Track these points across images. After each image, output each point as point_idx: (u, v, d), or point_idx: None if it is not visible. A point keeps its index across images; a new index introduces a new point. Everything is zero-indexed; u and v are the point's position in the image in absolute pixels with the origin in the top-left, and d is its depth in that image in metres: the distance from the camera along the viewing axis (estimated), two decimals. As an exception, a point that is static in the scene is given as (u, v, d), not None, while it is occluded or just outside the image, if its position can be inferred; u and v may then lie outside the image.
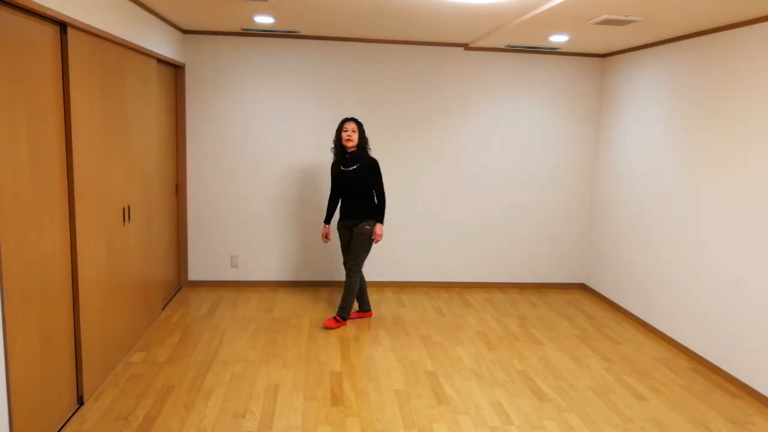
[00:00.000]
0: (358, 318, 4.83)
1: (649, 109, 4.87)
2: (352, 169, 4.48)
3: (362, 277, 4.72)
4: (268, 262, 5.63)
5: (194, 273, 5.58)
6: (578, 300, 5.61)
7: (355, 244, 4.55)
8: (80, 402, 3.25)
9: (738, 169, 3.86)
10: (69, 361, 3.10)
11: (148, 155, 4.32)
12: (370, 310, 4.87)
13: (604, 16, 3.78)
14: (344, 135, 4.43)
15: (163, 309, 4.89)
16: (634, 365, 4.11)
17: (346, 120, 4.47)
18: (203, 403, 3.35)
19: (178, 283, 5.48)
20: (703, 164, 4.20)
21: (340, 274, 5.72)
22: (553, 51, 5.53)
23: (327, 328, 4.56)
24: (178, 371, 3.75)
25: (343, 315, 4.60)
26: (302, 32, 5.13)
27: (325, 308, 5.07)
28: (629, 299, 5.13)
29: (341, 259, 5.67)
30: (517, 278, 5.93)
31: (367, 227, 4.54)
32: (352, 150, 4.47)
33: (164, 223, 4.93)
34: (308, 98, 5.44)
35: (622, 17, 3.79)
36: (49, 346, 2.86)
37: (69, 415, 3.13)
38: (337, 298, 5.34)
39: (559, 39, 4.78)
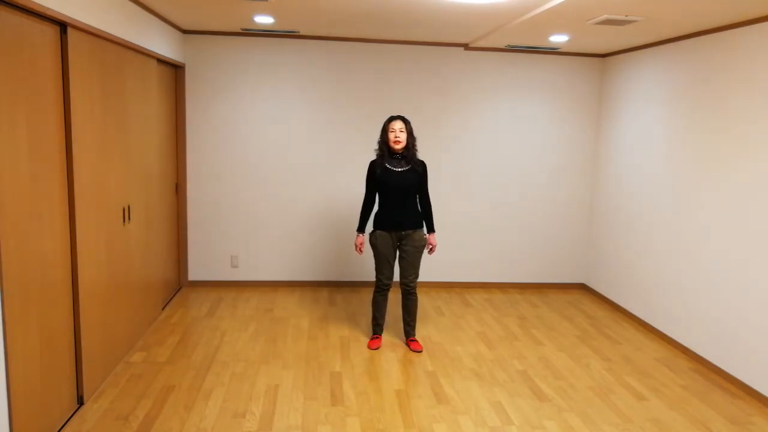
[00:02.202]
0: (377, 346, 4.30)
1: (649, 109, 4.87)
2: (405, 171, 4.03)
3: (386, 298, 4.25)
4: (268, 262, 5.63)
5: (194, 273, 5.58)
6: (578, 300, 5.61)
7: (416, 258, 4.11)
8: (80, 402, 3.25)
9: (738, 169, 3.86)
10: (69, 361, 3.10)
11: (148, 155, 4.32)
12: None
13: (604, 16, 3.78)
14: (392, 136, 3.97)
15: (163, 309, 4.89)
16: (634, 365, 4.10)
17: (392, 118, 4.01)
18: (203, 403, 3.35)
19: (178, 283, 5.48)
20: (703, 164, 4.20)
21: (340, 274, 5.72)
22: (553, 51, 5.53)
23: (419, 351, 4.20)
24: (178, 371, 3.75)
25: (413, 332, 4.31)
26: (302, 32, 5.13)
27: (325, 308, 5.06)
28: (629, 299, 5.13)
29: (342, 260, 5.67)
30: (517, 278, 5.93)
31: (425, 236, 4.16)
32: (400, 151, 4.03)
33: (164, 223, 4.93)
34: (308, 98, 5.44)
35: (622, 17, 3.79)
36: (49, 346, 2.86)
37: (69, 415, 3.13)
38: (338, 298, 5.34)
39: (559, 39, 4.78)
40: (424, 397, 3.52)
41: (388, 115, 5.49)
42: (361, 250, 4.20)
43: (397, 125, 3.99)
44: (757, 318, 3.68)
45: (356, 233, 4.23)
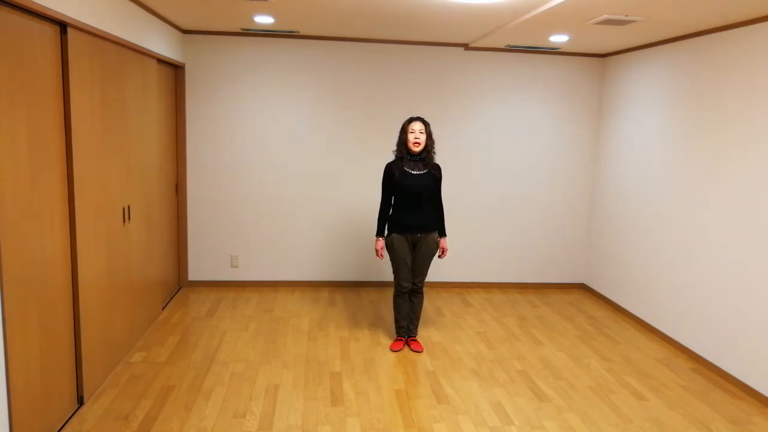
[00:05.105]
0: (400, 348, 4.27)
1: (649, 108, 4.87)
2: (422, 173, 3.98)
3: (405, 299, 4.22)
4: (268, 262, 5.63)
5: (194, 273, 5.58)
6: (578, 300, 5.61)
7: (426, 261, 4.10)
8: (80, 402, 3.25)
9: (738, 169, 3.86)
10: (69, 361, 3.10)
11: (148, 155, 4.32)
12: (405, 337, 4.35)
13: (604, 16, 3.78)
14: (411, 137, 3.91)
15: (163, 309, 4.89)
16: (634, 365, 4.10)
17: (411, 120, 3.95)
18: (203, 403, 3.35)
19: (178, 283, 5.48)
20: (703, 164, 4.20)
21: (340, 274, 5.72)
22: (553, 51, 5.53)
23: (419, 351, 4.20)
24: (178, 371, 3.75)
25: (414, 333, 4.32)
26: (302, 32, 5.13)
27: (325, 308, 5.07)
28: (629, 299, 5.13)
29: (342, 260, 5.67)
30: (517, 278, 5.93)
31: (437, 240, 4.12)
32: (418, 153, 3.98)
33: (164, 223, 4.93)
34: (308, 98, 5.44)
35: (622, 17, 3.79)
36: (49, 346, 2.86)
37: (69, 415, 3.13)
38: (337, 298, 5.34)
39: (559, 39, 4.78)
40: (424, 397, 3.52)
41: (388, 115, 5.51)
42: (382, 255, 4.13)
43: (417, 126, 3.92)
44: (756, 318, 3.68)
45: (376, 238, 4.14)
